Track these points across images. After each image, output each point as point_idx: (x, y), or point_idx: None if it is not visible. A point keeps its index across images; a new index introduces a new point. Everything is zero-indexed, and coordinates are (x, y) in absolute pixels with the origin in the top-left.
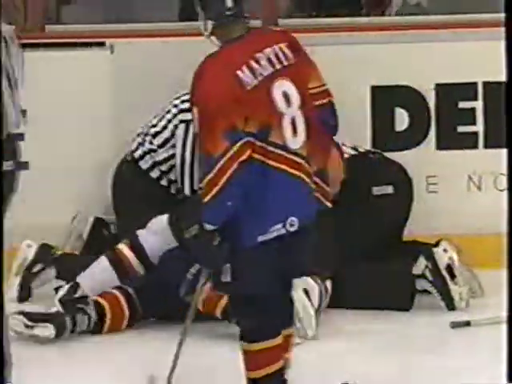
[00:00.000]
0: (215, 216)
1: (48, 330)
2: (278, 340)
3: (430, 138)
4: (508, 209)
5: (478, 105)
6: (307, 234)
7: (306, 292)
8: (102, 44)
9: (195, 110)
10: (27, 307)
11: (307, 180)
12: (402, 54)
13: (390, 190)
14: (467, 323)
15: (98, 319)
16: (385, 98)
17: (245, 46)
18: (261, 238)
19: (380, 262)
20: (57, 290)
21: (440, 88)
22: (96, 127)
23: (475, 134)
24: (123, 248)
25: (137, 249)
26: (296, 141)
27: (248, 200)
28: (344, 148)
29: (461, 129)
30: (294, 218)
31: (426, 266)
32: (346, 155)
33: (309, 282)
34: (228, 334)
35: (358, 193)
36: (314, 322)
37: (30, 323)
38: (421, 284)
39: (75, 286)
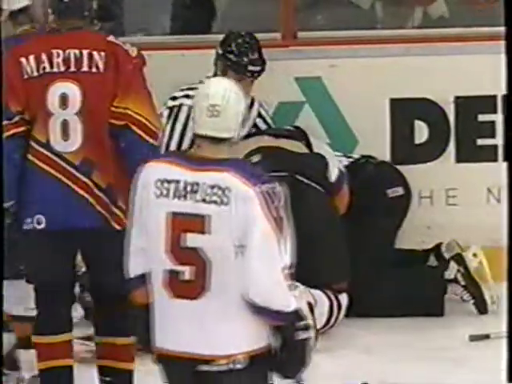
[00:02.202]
0: None
1: None
2: (57, 339)
3: (450, 151)
4: (508, 222)
5: (498, 118)
6: (94, 243)
7: (311, 306)
8: None
9: None
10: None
11: (74, 187)
12: (421, 67)
13: (401, 191)
14: (486, 336)
15: None
16: (404, 110)
17: (50, 40)
18: (24, 226)
19: (404, 268)
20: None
21: (460, 101)
22: None
23: (495, 146)
24: None
25: None
26: (66, 145)
27: (18, 184)
28: (341, 158)
29: (480, 142)
30: (40, 217)
31: (458, 271)
32: (345, 163)
33: (319, 296)
34: None
35: (374, 197)
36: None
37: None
38: (452, 289)
39: None
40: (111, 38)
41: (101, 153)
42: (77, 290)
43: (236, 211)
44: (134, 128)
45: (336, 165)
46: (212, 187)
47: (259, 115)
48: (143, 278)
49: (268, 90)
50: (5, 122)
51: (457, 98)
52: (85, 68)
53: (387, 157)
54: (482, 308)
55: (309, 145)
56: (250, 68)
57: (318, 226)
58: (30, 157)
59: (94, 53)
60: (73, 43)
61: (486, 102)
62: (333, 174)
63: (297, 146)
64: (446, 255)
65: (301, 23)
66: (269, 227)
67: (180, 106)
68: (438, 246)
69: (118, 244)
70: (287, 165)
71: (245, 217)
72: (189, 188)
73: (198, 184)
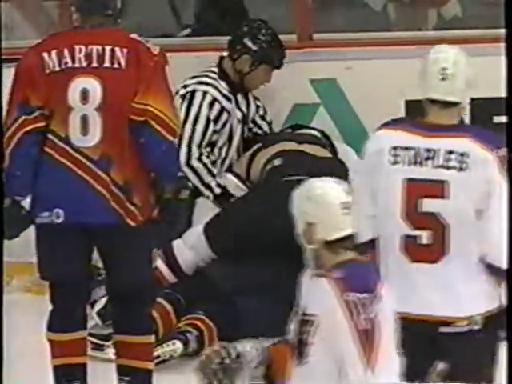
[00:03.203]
0: (13, 186)
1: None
2: (71, 337)
3: None
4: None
5: None
6: (110, 240)
7: None
8: None
9: None
10: None
11: (92, 182)
12: None
13: None
14: None
15: None
16: (420, 112)
17: (72, 36)
18: (38, 220)
19: None
20: (92, 304)
21: (475, 102)
22: None
23: None
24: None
25: (169, 259)
26: (85, 139)
27: (35, 179)
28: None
29: None
30: (59, 211)
31: None
32: None
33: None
34: None
35: None
36: None
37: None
38: None
39: None
40: (134, 35)
41: (119, 149)
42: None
43: (475, 176)
44: (153, 124)
45: None
46: (450, 153)
47: (261, 116)
48: (372, 243)
49: (283, 92)
50: (23, 117)
51: (472, 99)
52: (107, 64)
53: None
54: None
55: (334, 150)
56: (283, 60)
57: None
58: (48, 150)
59: (116, 49)
60: (95, 39)
61: (502, 104)
62: None
63: (320, 151)
64: None
65: (316, 25)
66: (505, 191)
67: (193, 91)
68: None
69: (133, 241)
70: (308, 169)
71: (484, 181)
72: (425, 154)
73: (434, 150)
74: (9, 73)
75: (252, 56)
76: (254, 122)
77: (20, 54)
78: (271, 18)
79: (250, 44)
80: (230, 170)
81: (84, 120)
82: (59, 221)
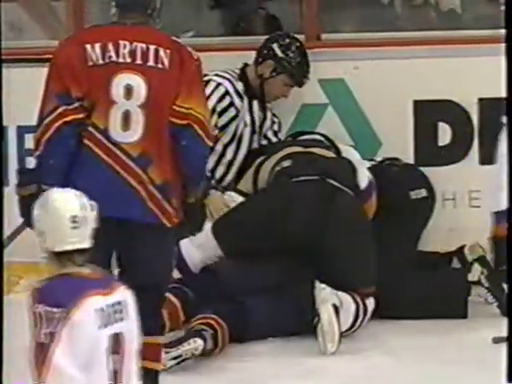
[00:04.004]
0: (43, 174)
1: None
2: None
3: (473, 153)
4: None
5: None
6: (139, 237)
7: (336, 308)
8: None
9: None
10: None
11: (129, 178)
12: (444, 69)
13: (424, 192)
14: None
15: None
16: (428, 112)
17: (116, 30)
18: None
19: (429, 270)
20: None
21: (483, 102)
22: None
23: None
24: None
25: (176, 258)
26: (125, 135)
27: (71, 169)
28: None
29: None
30: (92, 203)
31: (482, 273)
32: (367, 165)
33: (345, 298)
34: None
35: (396, 199)
36: (336, 339)
37: None
38: (475, 291)
39: None
40: (174, 38)
41: (159, 148)
42: None
43: None
44: (196, 128)
45: (366, 173)
46: None
47: (274, 132)
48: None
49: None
50: (63, 108)
51: (480, 99)
52: (151, 63)
53: (411, 159)
54: (505, 310)
55: (338, 151)
56: (305, 80)
57: (347, 229)
58: (87, 142)
59: (160, 49)
60: (139, 37)
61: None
62: (362, 182)
63: (327, 153)
64: (470, 257)
65: (324, 25)
66: None
67: (208, 81)
68: (462, 248)
69: (162, 242)
70: (317, 168)
71: None
72: None
73: None
74: (19, 73)
75: (276, 62)
76: (265, 136)
77: (29, 54)
78: (279, 18)
79: (277, 50)
80: (235, 183)
81: (126, 116)
82: None
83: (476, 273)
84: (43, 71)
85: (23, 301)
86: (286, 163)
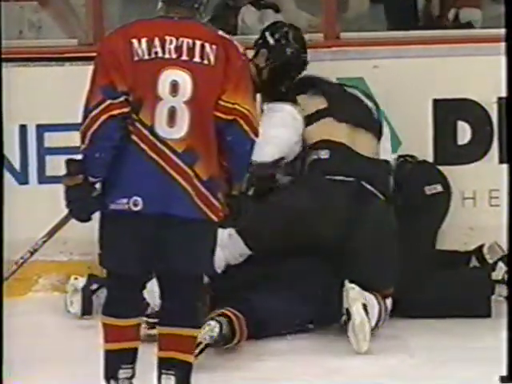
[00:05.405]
0: (89, 167)
1: None
2: (128, 322)
3: (493, 152)
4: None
5: None
6: (183, 232)
7: (365, 307)
8: None
9: None
10: (89, 321)
11: (174, 174)
12: (464, 67)
13: (439, 188)
14: None
15: None
16: (447, 111)
17: (162, 25)
18: (112, 206)
19: (448, 269)
20: None
21: (503, 101)
22: None
23: None
24: None
25: None
26: (171, 131)
27: (113, 163)
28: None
29: None
30: (138, 199)
31: (506, 272)
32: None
33: (370, 298)
34: None
35: (412, 195)
36: (368, 338)
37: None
38: (498, 290)
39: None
40: (221, 32)
41: (205, 144)
42: None
43: None
44: (242, 123)
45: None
46: None
47: None
48: None
49: None
50: (109, 101)
51: (500, 98)
52: (197, 59)
53: (430, 158)
54: None
55: (379, 137)
56: (301, 68)
57: (376, 234)
58: (134, 138)
59: (206, 45)
60: (185, 32)
61: None
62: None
63: (368, 144)
64: (488, 257)
65: (343, 24)
66: None
67: None
68: (480, 247)
69: (208, 235)
70: (354, 170)
71: None
72: None
73: None
74: (37, 71)
75: (268, 50)
76: None
77: (48, 53)
78: (297, 17)
79: (268, 38)
80: None
81: (172, 112)
82: (137, 209)
83: (500, 271)
84: (61, 70)
85: (42, 299)
86: (324, 154)
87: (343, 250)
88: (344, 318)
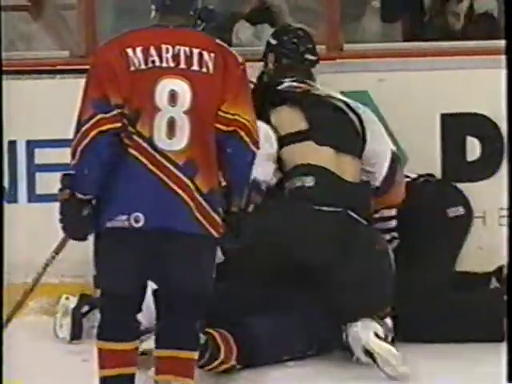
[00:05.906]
0: (77, 183)
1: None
2: (124, 346)
3: (504, 169)
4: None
5: None
6: (184, 248)
7: (377, 335)
8: None
9: None
10: (78, 347)
11: (175, 187)
12: (473, 80)
13: (462, 210)
14: None
15: None
16: (456, 126)
17: (158, 33)
18: (109, 224)
19: (466, 291)
20: None
21: None
22: None
23: None
24: None
25: None
26: (171, 143)
27: (107, 179)
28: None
29: None
30: (139, 214)
31: None
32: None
33: (374, 325)
34: None
35: (434, 217)
36: (398, 356)
37: None
38: None
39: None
40: (218, 40)
41: (205, 156)
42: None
43: None
44: (243, 135)
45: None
46: None
47: None
48: None
49: None
50: (100, 116)
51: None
52: (195, 67)
53: (438, 174)
54: None
55: (361, 155)
56: (307, 56)
57: (363, 265)
58: (131, 151)
59: (204, 53)
60: (182, 40)
61: None
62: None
63: (352, 167)
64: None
65: (347, 35)
66: None
67: None
68: (501, 268)
69: (208, 252)
70: (339, 199)
71: None
72: None
73: None
74: (29, 84)
75: (274, 52)
76: None
77: (39, 65)
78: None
79: (271, 40)
80: None
81: (171, 123)
82: (139, 225)
83: None
84: (52, 83)
85: (32, 322)
86: (309, 181)
87: (333, 278)
88: (364, 357)
